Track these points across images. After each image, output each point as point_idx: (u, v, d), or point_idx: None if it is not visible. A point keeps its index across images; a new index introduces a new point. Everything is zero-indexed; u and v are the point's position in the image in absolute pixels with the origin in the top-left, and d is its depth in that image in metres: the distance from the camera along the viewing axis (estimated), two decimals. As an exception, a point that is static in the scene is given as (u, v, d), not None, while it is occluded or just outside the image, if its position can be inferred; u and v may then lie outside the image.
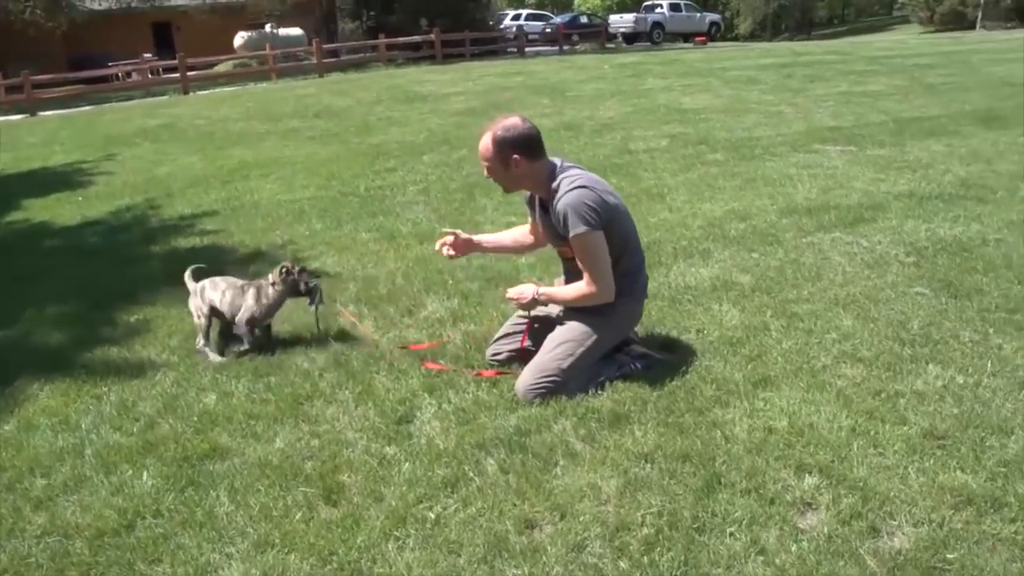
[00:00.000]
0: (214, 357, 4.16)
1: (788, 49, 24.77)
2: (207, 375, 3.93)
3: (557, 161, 3.49)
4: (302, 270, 4.25)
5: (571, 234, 3.32)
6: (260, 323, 4.22)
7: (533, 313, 3.71)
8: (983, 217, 5.81)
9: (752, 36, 51.23)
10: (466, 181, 7.97)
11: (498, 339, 3.82)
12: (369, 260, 5.61)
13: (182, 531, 2.74)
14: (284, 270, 4.19)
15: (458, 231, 3.89)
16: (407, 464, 3.00)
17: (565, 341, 3.45)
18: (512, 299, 3.62)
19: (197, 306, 4.29)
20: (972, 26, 40.21)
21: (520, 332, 3.75)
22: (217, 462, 3.15)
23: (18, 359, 4.45)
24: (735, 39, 48.74)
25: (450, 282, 4.99)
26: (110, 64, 26.88)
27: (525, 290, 3.59)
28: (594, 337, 3.46)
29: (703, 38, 39.76)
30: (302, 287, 4.18)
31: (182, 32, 36.12)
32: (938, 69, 15.77)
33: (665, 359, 3.71)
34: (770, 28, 52.20)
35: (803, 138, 9.18)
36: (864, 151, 8.34)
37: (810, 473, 2.84)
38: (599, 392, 3.45)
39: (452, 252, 3.83)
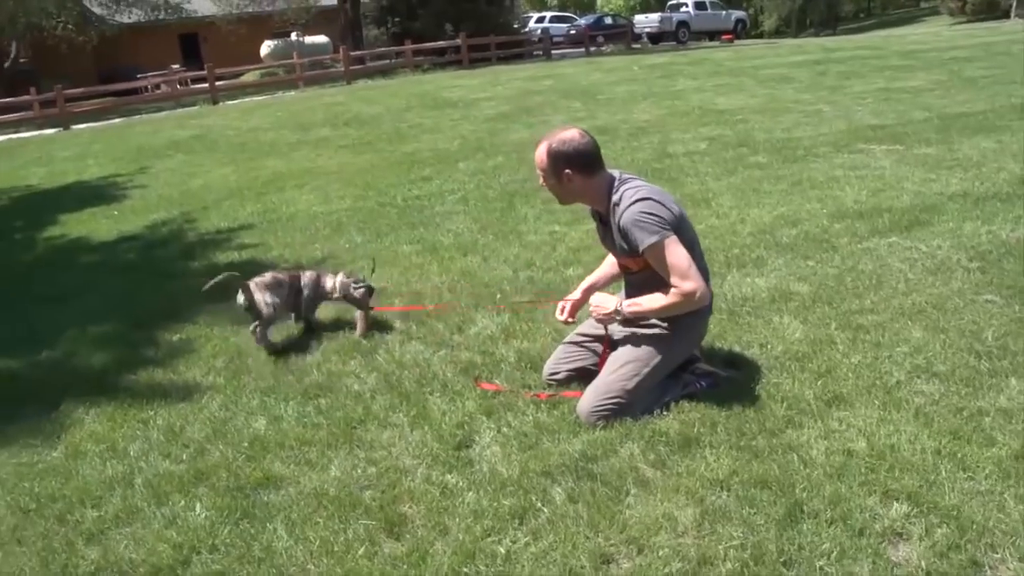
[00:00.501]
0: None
1: (819, 45, 24.44)
2: (255, 398, 3.83)
3: (616, 174, 3.35)
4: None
5: (642, 247, 3.17)
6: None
7: (594, 331, 3.57)
8: (1047, 218, 5.59)
9: (777, 32, 50.75)
10: (504, 189, 7.84)
11: (556, 358, 3.67)
12: (413, 274, 5.49)
13: (240, 567, 2.63)
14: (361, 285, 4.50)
15: (570, 297, 3.71)
16: (471, 494, 2.87)
17: (630, 361, 3.30)
18: (595, 312, 3.41)
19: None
20: (1006, 15, 39.50)
21: (580, 351, 3.61)
22: (271, 492, 3.04)
23: (62, 381, 4.37)
24: (759, 36, 48.34)
25: (498, 296, 4.86)
26: (139, 76, 27.09)
27: (606, 301, 3.38)
28: (660, 356, 3.31)
29: (730, 36, 39.47)
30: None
31: (208, 42, 36.40)
32: (977, 62, 15.44)
33: (730, 376, 3.56)
34: (795, 24, 51.67)
35: (846, 137, 8.96)
36: (911, 150, 8.11)
37: (897, 500, 2.68)
38: (664, 413, 3.30)
39: (570, 318, 3.69)
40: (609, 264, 3.78)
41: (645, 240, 3.15)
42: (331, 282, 4.55)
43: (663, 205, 3.23)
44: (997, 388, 3.37)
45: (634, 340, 3.39)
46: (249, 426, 3.57)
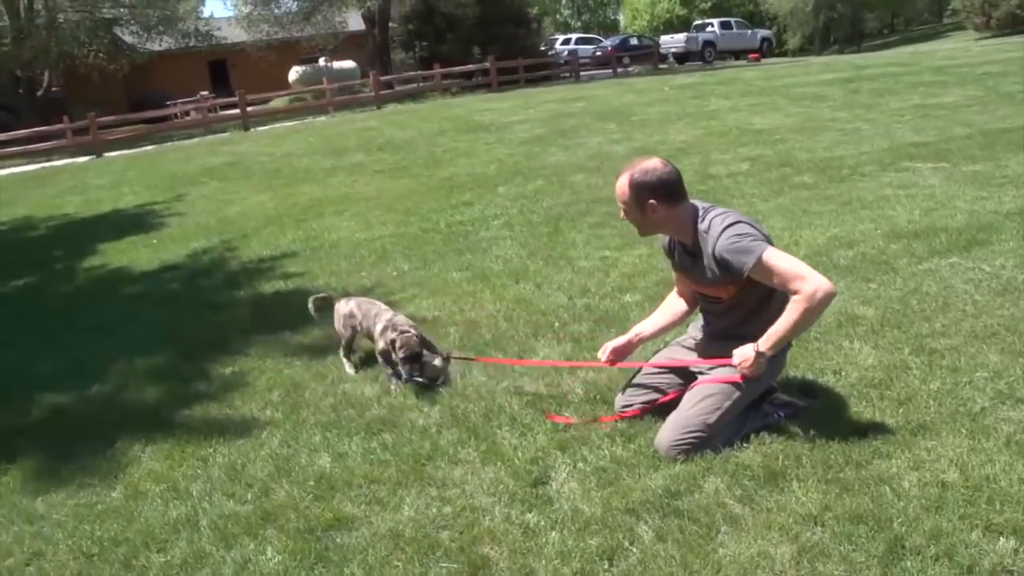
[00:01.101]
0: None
1: (847, 63, 24.25)
2: (316, 433, 3.76)
3: (700, 204, 3.27)
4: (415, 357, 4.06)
5: (748, 268, 3.07)
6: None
7: (670, 362, 3.49)
8: (1110, 235, 5.45)
9: (801, 51, 50.62)
10: (548, 214, 7.77)
11: (628, 388, 3.58)
12: (466, 302, 5.41)
13: (319, 614, 2.55)
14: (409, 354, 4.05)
15: (610, 344, 3.62)
16: (554, 533, 2.77)
17: (711, 395, 3.20)
18: (742, 370, 3.20)
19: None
20: (1032, 30, 39.19)
21: (653, 383, 3.51)
22: (344, 533, 2.95)
23: (115, 417, 4.33)
24: (783, 54, 48.23)
25: (556, 325, 4.78)
26: (168, 103, 27.38)
27: (745, 353, 3.19)
28: (741, 390, 3.21)
29: (756, 55, 39.43)
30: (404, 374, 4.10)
31: (237, 69, 36.84)
32: (1012, 77, 15.21)
33: (808, 406, 3.45)
34: (819, 42, 51.54)
35: (889, 155, 8.82)
36: (958, 167, 7.96)
37: (1003, 535, 2.56)
38: (745, 446, 3.20)
39: (610, 362, 3.61)
40: (667, 313, 3.68)
41: (748, 261, 3.06)
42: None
43: (752, 226, 3.17)
44: (1088, 415, 3.24)
45: (715, 371, 3.30)
46: (313, 463, 3.49)
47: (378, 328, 4.21)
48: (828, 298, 3.04)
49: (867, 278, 5.05)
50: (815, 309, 3.04)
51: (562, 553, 2.67)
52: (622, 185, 3.23)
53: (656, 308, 3.80)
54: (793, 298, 3.04)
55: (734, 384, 3.22)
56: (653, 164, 3.22)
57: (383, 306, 4.48)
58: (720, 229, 3.14)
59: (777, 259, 3.07)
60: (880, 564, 2.48)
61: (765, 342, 3.13)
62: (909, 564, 2.47)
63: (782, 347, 3.20)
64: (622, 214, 3.34)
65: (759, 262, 3.05)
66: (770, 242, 3.18)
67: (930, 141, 9.48)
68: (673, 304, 3.67)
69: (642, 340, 3.66)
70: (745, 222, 3.18)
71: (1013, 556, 2.48)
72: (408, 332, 4.06)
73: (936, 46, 37.10)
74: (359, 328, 4.44)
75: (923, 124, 10.77)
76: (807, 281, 3.01)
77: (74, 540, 3.14)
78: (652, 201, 3.18)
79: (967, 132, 9.85)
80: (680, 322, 3.71)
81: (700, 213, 3.24)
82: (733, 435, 3.23)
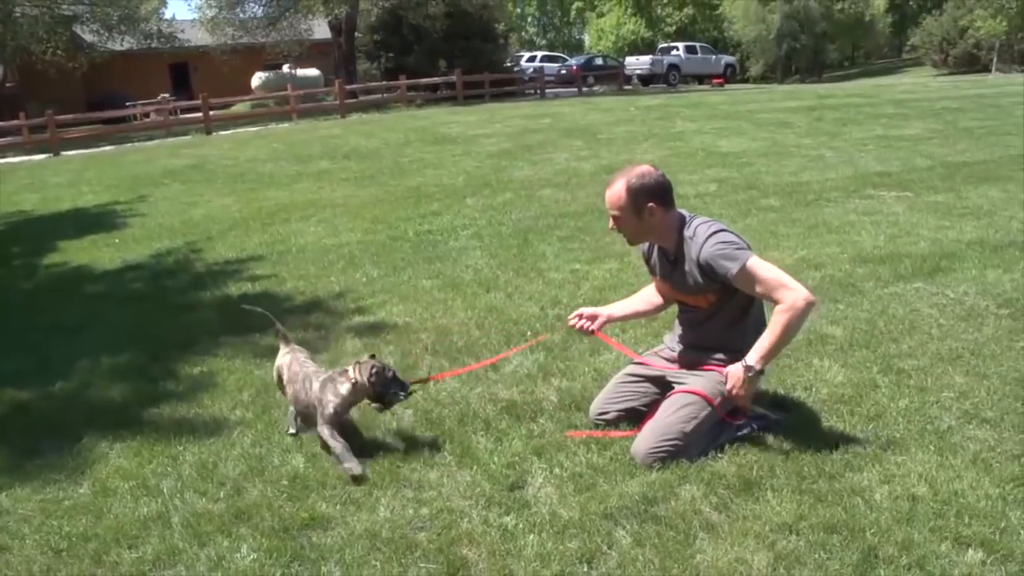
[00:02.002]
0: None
1: (811, 92, 24.74)
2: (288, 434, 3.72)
3: (684, 212, 3.33)
4: (394, 374, 3.46)
5: (732, 274, 3.11)
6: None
7: (644, 371, 3.52)
8: (1066, 266, 5.61)
9: (763, 78, 51.47)
10: (517, 226, 7.80)
11: (605, 397, 3.60)
12: (437, 309, 5.41)
13: (296, 613, 2.53)
14: (375, 371, 3.39)
15: (582, 310, 3.65)
16: (532, 536, 2.78)
17: (689, 404, 3.24)
18: (737, 395, 3.21)
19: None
20: (985, 69, 40.36)
21: (629, 391, 3.54)
22: (320, 533, 2.93)
23: (80, 416, 4.22)
24: (746, 81, 48.99)
25: (528, 333, 4.79)
26: (128, 104, 27.01)
27: (736, 372, 3.19)
28: (717, 399, 3.25)
29: (720, 80, 39.98)
30: (387, 395, 3.44)
31: (199, 72, 36.48)
32: (969, 113, 15.65)
33: (781, 419, 3.50)
34: (781, 70, 52.46)
35: (854, 183, 9.01)
36: (920, 197, 8.16)
37: (971, 546, 2.63)
38: (720, 455, 3.24)
39: (588, 324, 3.60)
40: (643, 300, 3.73)
41: (733, 267, 3.11)
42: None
43: (736, 235, 3.23)
44: (1050, 436, 3.34)
45: (691, 380, 3.34)
46: (286, 463, 3.46)
47: (316, 385, 3.49)
48: (809, 307, 3.09)
49: (835, 299, 5.15)
50: (798, 318, 3.09)
51: (541, 555, 2.68)
52: (617, 191, 3.23)
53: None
54: (776, 309, 3.10)
55: (712, 392, 3.26)
56: (647, 169, 3.26)
57: (312, 366, 3.69)
58: (705, 236, 3.18)
59: (761, 268, 3.13)
60: (854, 572, 2.53)
61: (755, 356, 3.14)
62: (882, 573, 2.53)
63: (772, 359, 3.24)
64: (612, 224, 3.34)
65: (743, 269, 3.10)
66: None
67: (893, 171, 9.72)
68: (649, 294, 3.71)
69: (611, 319, 3.69)
70: (730, 231, 3.24)
71: (981, 567, 2.54)
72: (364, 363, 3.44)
73: (896, 80, 38.05)
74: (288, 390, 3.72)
75: (886, 154, 11.03)
76: (790, 290, 3.07)
77: (41, 535, 3.07)
78: (651, 204, 3.21)
79: (929, 164, 10.11)
80: (653, 313, 3.75)
81: (686, 220, 3.28)
82: (708, 445, 3.26)
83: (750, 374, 3.14)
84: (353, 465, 3.24)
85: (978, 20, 40.80)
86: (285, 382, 3.71)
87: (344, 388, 3.40)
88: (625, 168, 3.32)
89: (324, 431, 3.37)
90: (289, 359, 3.73)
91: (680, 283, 3.34)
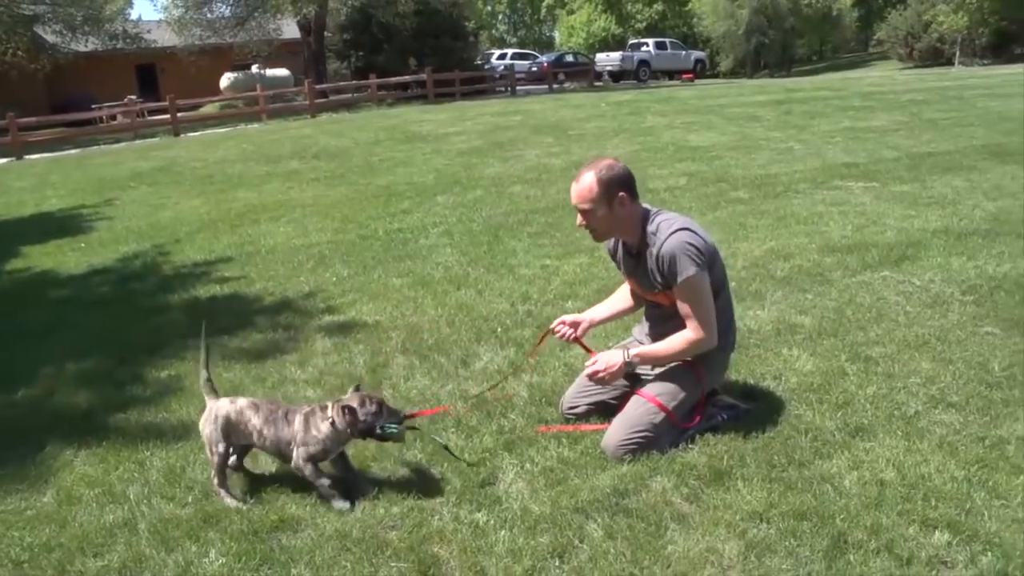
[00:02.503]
0: (230, 501, 3.16)
1: (780, 86, 24.91)
2: (259, 434, 3.68)
3: (648, 207, 3.32)
4: (380, 406, 3.08)
5: (680, 278, 3.13)
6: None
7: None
8: (1027, 253, 5.68)
9: (733, 73, 51.70)
10: (488, 223, 7.78)
11: (575, 392, 3.60)
12: (407, 307, 5.39)
13: (266, 616, 2.50)
14: (347, 410, 3.04)
15: (564, 317, 3.63)
16: (504, 532, 2.77)
17: (657, 395, 3.24)
18: (598, 375, 3.29)
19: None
20: (949, 62, 40.86)
21: (596, 385, 3.53)
22: (289, 535, 2.90)
23: (44, 422, 4.16)
24: (716, 76, 49.20)
25: (499, 330, 4.78)
26: (94, 107, 26.67)
27: (611, 359, 3.29)
28: (686, 391, 3.27)
29: (690, 75, 40.16)
30: (376, 430, 3.07)
31: (167, 74, 36.12)
32: (934, 105, 15.81)
33: (751, 409, 3.52)
34: (750, 65, 52.74)
35: (821, 174, 9.07)
36: (887, 187, 8.24)
37: (938, 528, 2.67)
38: (690, 446, 3.25)
39: (571, 333, 3.59)
40: (621, 299, 3.72)
41: (684, 272, 3.12)
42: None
43: (700, 236, 3.21)
44: (1013, 417, 3.39)
45: (660, 375, 3.34)
46: (255, 466, 3.42)
47: (297, 421, 3.13)
48: (706, 348, 3.26)
49: (803, 289, 5.19)
50: (693, 349, 3.25)
51: (513, 551, 2.67)
52: (588, 183, 3.20)
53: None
54: (691, 330, 3.21)
55: (680, 384, 3.27)
56: (611, 161, 3.26)
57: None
58: (668, 232, 3.18)
59: (701, 291, 3.19)
60: (824, 558, 2.54)
61: (639, 354, 3.31)
62: (852, 558, 2.54)
63: (649, 364, 3.36)
64: (580, 219, 3.29)
65: (689, 280, 3.14)
66: (714, 260, 3.26)
67: (860, 162, 9.79)
68: (627, 291, 3.70)
69: (592, 324, 3.67)
70: (692, 230, 3.21)
71: (947, 548, 2.58)
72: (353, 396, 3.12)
73: (863, 73, 38.40)
74: (256, 438, 3.21)
75: (853, 146, 11.11)
76: (708, 327, 3.21)
77: (1, 547, 3.00)
78: (622, 193, 3.20)
79: (895, 155, 10.20)
80: (634, 309, 3.72)
81: (650, 215, 3.28)
82: (679, 436, 3.27)
83: (627, 368, 3.28)
84: (339, 504, 3.01)
85: (941, 15, 41.28)
86: (254, 427, 3.18)
87: (324, 428, 3.07)
88: (589, 162, 3.31)
89: (306, 470, 3.07)
90: (243, 403, 3.24)
91: (643, 280, 3.35)
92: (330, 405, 3.11)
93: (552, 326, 3.63)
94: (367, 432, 3.06)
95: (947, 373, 3.84)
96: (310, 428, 3.08)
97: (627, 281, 3.61)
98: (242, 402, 3.25)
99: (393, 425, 3.05)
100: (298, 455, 3.08)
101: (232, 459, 3.31)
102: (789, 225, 6.86)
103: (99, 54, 32.42)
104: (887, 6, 49.74)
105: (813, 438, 3.27)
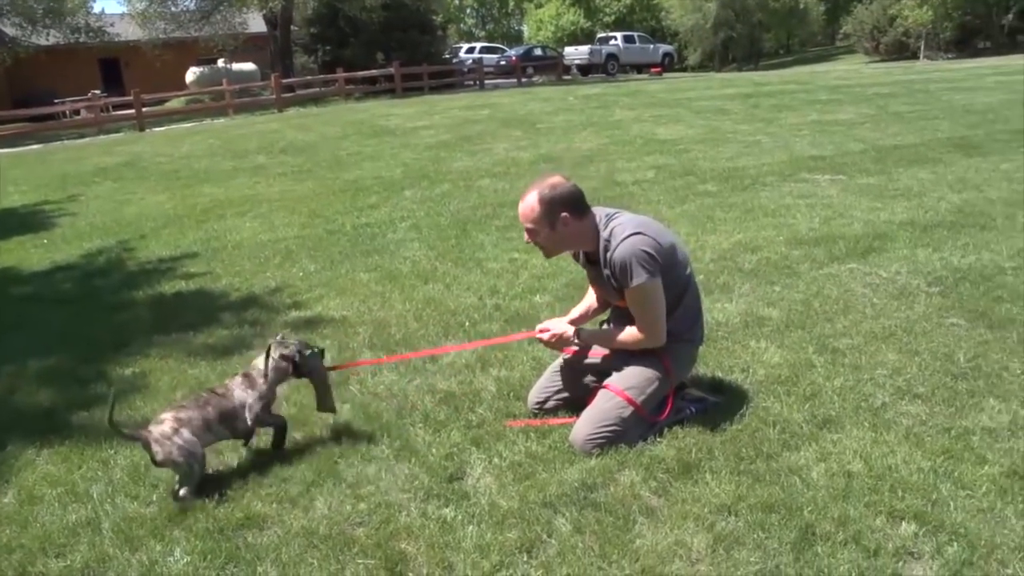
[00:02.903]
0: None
1: (747, 79, 25.06)
2: (224, 432, 3.63)
3: (602, 211, 3.30)
4: (297, 342, 3.43)
5: (631, 284, 3.12)
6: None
7: (590, 359, 3.53)
8: (991, 245, 5.75)
9: (702, 66, 51.94)
10: (456, 217, 7.75)
11: (542, 386, 3.58)
12: (374, 302, 5.34)
13: (231, 614, 2.46)
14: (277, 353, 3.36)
15: (547, 324, 3.56)
16: (472, 527, 2.75)
17: (626, 389, 3.24)
18: (540, 333, 3.41)
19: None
20: (914, 56, 41.29)
21: (566, 379, 3.53)
22: (256, 532, 2.86)
23: (5, 421, 4.08)
24: (684, 70, 49.42)
25: (467, 324, 4.76)
26: (56, 101, 26.25)
27: (554, 326, 3.40)
28: (655, 385, 3.26)
29: (658, 69, 40.31)
30: (297, 359, 3.38)
31: (131, 68, 35.65)
32: (900, 98, 15.98)
33: (719, 402, 3.53)
34: (718, 58, 53.00)
35: (789, 167, 9.13)
36: (853, 180, 8.30)
37: (904, 519, 2.69)
38: (659, 440, 3.25)
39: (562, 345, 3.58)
40: (589, 300, 3.71)
41: (635, 279, 3.11)
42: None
43: (653, 239, 3.17)
44: (978, 408, 3.44)
45: (629, 369, 3.33)
46: (222, 463, 3.38)
47: (237, 381, 3.37)
48: (651, 346, 3.30)
49: (771, 281, 5.21)
50: (637, 345, 3.29)
51: (480, 547, 2.65)
52: (530, 203, 3.18)
53: (578, 301, 3.83)
54: (636, 329, 3.25)
55: (648, 377, 3.27)
56: (557, 179, 3.23)
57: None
58: (621, 237, 3.16)
59: (651, 297, 3.18)
60: (792, 550, 2.55)
61: (587, 334, 3.43)
62: (819, 549, 2.55)
63: (595, 343, 3.45)
64: (527, 237, 3.28)
65: (639, 287, 3.13)
66: (671, 255, 3.25)
67: (827, 155, 9.86)
68: (593, 297, 3.69)
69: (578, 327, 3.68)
70: (646, 234, 3.18)
71: (914, 539, 2.60)
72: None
73: (830, 67, 38.70)
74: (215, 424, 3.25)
75: (820, 139, 11.19)
76: (653, 328, 3.25)
77: (-40, 549, 2.95)
78: (564, 214, 3.18)
79: (861, 147, 10.28)
80: (601, 310, 3.70)
81: (603, 221, 3.26)
82: (647, 430, 3.27)
83: (573, 340, 3.37)
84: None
85: (906, 9, 41.68)
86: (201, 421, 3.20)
87: (260, 382, 3.34)
88: (536, 180, 3.28)
89: (266, 418, 3.36)
90: (170, 414, 3.18)
91: (606, 287, 3.34)
92: (253, 365, 3.41)
93: (539, 334, 3.53)
94: (295, 365, 3.36)
95: (913, 364, 3.87)
96: (254, 383, 3.32)
97: (592, 288, 3.60)
98: (168, 414, 3.18)
99: (312, 351, 3.42)
100: (253, 410, 3.29)
101: None
102: (757, 218, 6.89)
103: (61, 48, 31.93)
104: (853, 0, 50.13)
105: (781, 430, 3.28)
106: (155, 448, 3.07)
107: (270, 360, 3.34)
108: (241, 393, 3.31)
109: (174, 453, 3.06)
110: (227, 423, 3.27)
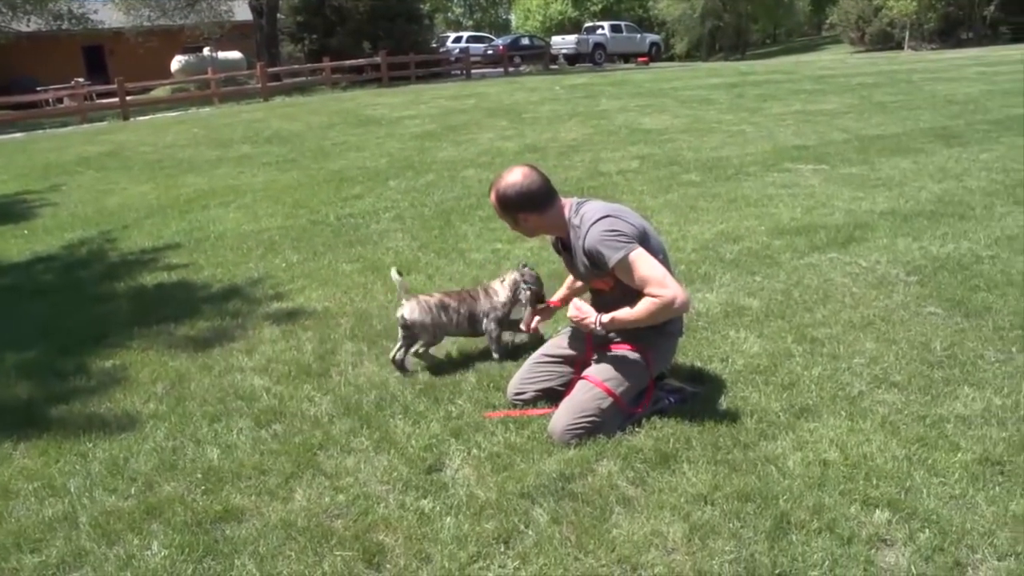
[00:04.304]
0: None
1: (733, 69, 25.10)
2: (203, 425, 3.62)
3: (574, 199, 3.32)
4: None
5: (612, 263, 3.11)
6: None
7: (560, 351, 3.54)
8: (969, 234, 5.80)
9: (688, 56, 51.99)
10: (440, 207, 7.75)
11: (521, 377, 3.59)
12: (356, 293, 5.34)
13: (209, 608, 2.46)
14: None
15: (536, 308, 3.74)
16: (449, 518, 2.76)
17: (605, 380, 3.25)
18: (574, 317, 3.30)
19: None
20: (899, 46, 41.47)
21: (546, 371, 3.54)
22: (234, 525, 2.86)
23: (-20, 414, 4.06)
24: (671, 59, 49.44)
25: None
26: (39, 89, 26.02)
27: (587, 313, 3.26)
28: (634, 376, 3.28)
29: (645, 58, 40.30)
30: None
31: (115, 56, 35.37)
32: (884, 88, 16.05)
33: (698, 392, 3.54)
34: (705, 48, 53.05)
35: (772, 157, 9.16)
36: (836, 169, 8.34)
37: (878, 507, 2.71)
38: (637, 430, 3.26)
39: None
40: (568, 286, 3.78)
41: (613, 256, 3.10)
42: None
43: (624, 220, 3.19)
44: (953, 396, 3.47)
45: (607, 359, 3.34)
46: (200, 456, 3.37)
47: (482, 293, 4.16)
48: (683, 307, 3.13)
49: (752, 271, 5.23)
50: (664, 312, 3.12)
51: (458, 538, 2.66)
52: (493, 202, 3.32)
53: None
54: (651, 297, 3.10)
55: (627, 368, 3.28)
56: (514, 178, 3.24)
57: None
58: (590, 223, 3.17)
59: (643, 264, 3.10)
60: (767, 539, 2.57)
61: (608, 320, 3.21)
62: (794, 538, 2.57)
63: (619, 329, 3.29)
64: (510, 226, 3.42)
65: (623, 261, 3.10)
66: (644, 239, 3.21)
67: (810, 145, 9.91)
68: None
69: (558, 304, 3.92)
70: (615, 216, 3.19)
71: (888, 526, 2.62)
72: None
73: (815, 57, 38.82)
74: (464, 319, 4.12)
75: (804, 129, 11.23)
76: (668, 289, 3.07)
77: (-66, 545, 2.92)
78: (522, 214, 3.26)
79: (844, 137, 10.33)
80: (584, 289, 3.73)
81: (574, 208, 3.27)
82: (625, 420, 3.28)
83: (596, 327, 3.24)
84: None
85: (890, 0, 41.84)
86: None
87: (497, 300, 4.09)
88: (500, 175, 3.32)
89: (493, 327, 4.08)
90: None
91: (576, 270, 3.35)
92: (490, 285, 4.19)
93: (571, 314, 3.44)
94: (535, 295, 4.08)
95: (890, 353, 3.90)
96: (492, 299, 4.08)
97: (570, 272, 3.64)
98: (438, 294, 4.12)
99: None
100: (491, 317, 4.06)
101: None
102: (740, 208, 6.91)
103: (43, 35, 31.60)
104: (839, -10, 50.24)
105: (758, 420, 3.30)
106: (414, 307, 3.93)
107: (519, 287, 4.03)
108: (485, 303, 4.06)
109: (427, 321, 3.92)
110: (471, 322, 4.05)
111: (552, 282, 4.29)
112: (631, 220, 3.23)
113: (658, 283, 3.08)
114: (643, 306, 3.12)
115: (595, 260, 3.18)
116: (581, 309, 3.27)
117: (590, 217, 3.19)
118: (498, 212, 3.33)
